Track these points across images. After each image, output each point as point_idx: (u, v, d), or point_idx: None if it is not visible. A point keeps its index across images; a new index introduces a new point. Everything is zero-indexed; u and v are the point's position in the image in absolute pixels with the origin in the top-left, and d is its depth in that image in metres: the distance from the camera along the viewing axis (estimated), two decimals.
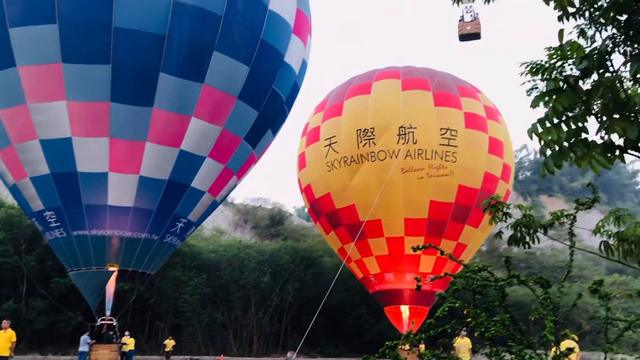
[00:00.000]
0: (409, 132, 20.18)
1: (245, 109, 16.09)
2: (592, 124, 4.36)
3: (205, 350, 31.62)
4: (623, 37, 4.44)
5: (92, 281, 16.35)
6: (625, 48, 4.47)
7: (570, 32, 4.56)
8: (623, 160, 4.36)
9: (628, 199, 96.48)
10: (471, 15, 15.18)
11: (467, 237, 21.09)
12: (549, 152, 4.38)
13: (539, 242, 5.52)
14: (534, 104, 4.44)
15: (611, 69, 4.40)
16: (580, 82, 4.43)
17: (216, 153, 16.27)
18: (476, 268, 5.38)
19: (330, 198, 21.77)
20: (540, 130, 4.32)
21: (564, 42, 4.42)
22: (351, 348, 33.23)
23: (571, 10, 4.62)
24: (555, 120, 4.29)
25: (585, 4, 4.55)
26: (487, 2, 6.38)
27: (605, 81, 4.21)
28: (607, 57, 4.37)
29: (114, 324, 16.89)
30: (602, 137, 4.33)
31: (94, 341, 16.85)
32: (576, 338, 7.75)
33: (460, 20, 15.15)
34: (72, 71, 14.00)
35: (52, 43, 13.72)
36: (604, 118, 4.36)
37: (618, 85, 4.25)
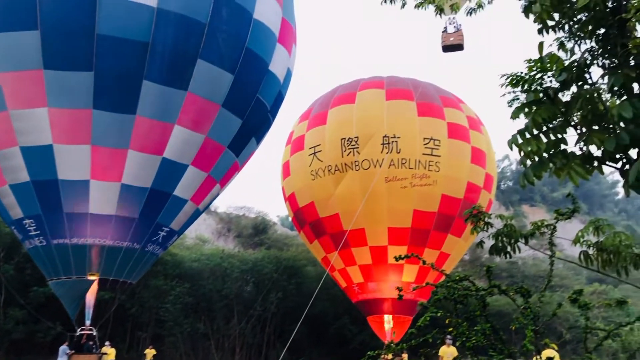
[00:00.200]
0: (392, 142, 20.28)
1: (229, 117, 16.05)
2: (571, 135, 4.43)
3: None
4: (601, 50, 4.53)
5: (72, 290, 16.11)
6: (604, 61, 4.56)
7: (550, 45, 4.64)
8: (601, 172, 4.42)
9: (608, 209, 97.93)
10: (454, 27, 15.31)
11: (450, 246, 21.19)
12: (528, 163, 4.44)
13: (519, 251, 5.57)
14: (514, 115, 4.50)
15: (590, 81, 4.47)
16: (560, 94, 4.50)
17: (199, 161, 16.17)
18: (458, 278, 5.42)
19: (314, 207, 21.75)
20: (520, 141, 4.38)
21: (544, 54, 4.49)
22: (334, 358, 33.09)
23: (551, 23, 4.71)
24: (535, 132, 4.35)
25: (565, 17, 4.63)
26: (469, 14, 6.47)
27: (584, 93, 4.28)
28: (585, 69, 4.45)
29: (94, 334, 16.64)
30: (581, 149, 4.40)
31: (73, 351, 16.56)
32: (556, 347, 7.81)
33: (443, 32, 15.28)
34: (54, 78, 13.83)
35: (33, 49, 13.54)
36: (583, 130, 4.43)
37: (596, 97, 4.32)
